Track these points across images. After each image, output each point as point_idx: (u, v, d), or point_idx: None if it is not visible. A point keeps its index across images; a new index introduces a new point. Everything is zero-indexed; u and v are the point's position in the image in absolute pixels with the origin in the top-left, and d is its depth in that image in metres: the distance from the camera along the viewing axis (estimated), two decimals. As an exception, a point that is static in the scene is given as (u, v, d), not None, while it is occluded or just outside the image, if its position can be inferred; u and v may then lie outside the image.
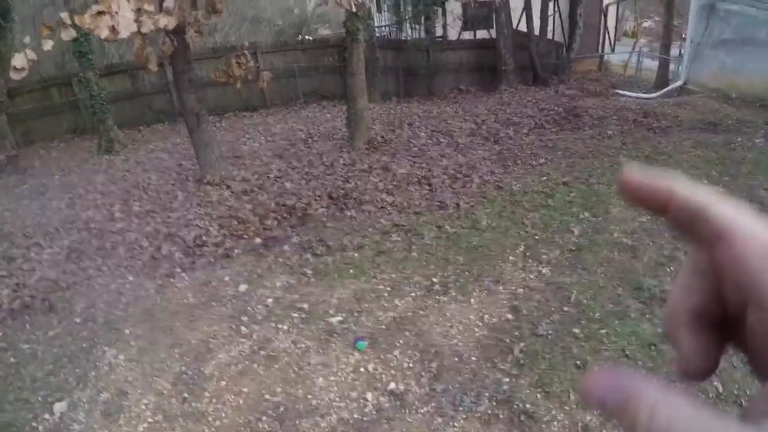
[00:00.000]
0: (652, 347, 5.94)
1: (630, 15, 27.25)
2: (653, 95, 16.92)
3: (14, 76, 7.19)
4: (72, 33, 7.96)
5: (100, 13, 7.26)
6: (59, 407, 6.48)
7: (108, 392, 6.61)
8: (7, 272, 10.22)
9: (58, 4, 22.46)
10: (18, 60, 7.08)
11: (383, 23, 27.92)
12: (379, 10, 28.13)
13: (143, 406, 6.30)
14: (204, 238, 10.07)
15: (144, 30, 7.74)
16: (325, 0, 8.41)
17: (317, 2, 9.44)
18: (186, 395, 6.36)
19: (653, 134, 12.43)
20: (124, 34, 7.37)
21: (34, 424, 6.30)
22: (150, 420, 6.10)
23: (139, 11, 7.59)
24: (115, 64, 23.63)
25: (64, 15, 7.71)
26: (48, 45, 7.61)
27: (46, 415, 6.40)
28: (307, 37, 31.31)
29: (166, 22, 8.11)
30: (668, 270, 7.29)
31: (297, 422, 5.77)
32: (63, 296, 9.08)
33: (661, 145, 11.61)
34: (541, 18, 19.77)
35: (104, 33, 7.28)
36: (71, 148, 19.61)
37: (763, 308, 0.35)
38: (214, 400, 6.23)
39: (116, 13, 7.29)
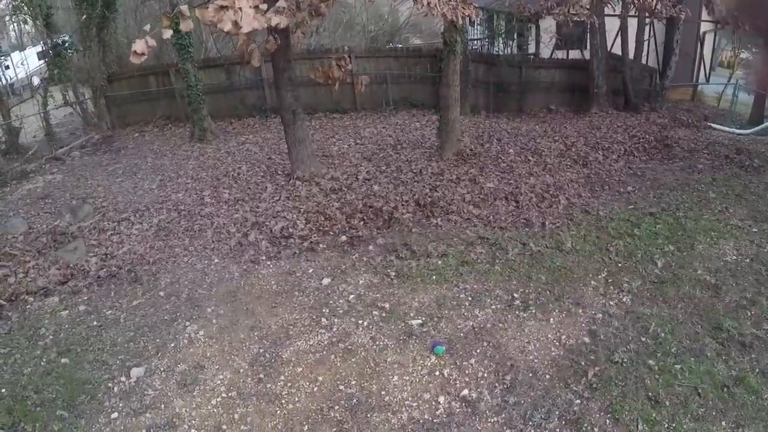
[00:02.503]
0: (725, 389, 5.96)
1: (727, 44, 26.32)
2: (747, 131, 16.45)
3: (134, 60, 7.58)
4: (190, 24, 8.39)
5: (223, 7, 7.68)
6: (136, 372, 6.96)
7: (185, 364, 7.06)
8: (97, 242, 10.93)
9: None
10: (139, 45, 7.48)
11: (476, 36, 27.99)
12: (473, 23, 28.22)
13: (218, 381, 6.72)
14: (290, 230, 10.49)
15: (257, 27, 8.11)
16: (431, 10, 8.57)
17: (420, 13, 9.58)
18: (262, 376, 6.74)
19: (745, 172, 12.17)
20: (246, 29, 7.74)
21: (110, 384, 6.79)
22: (224, 395, 6.49)
23: (256, 8, 7.98)
24: (212, 57, 24.54)
25: (184, 7, 8.16)
26: (167, 34, 8.04)
27: (123, 378, 6.89)
28: (398, 45, 31.66)
29: (278, 20, 8.45)
30: (749, 313, 7.23)
31: (368, 415, 6.06)
32: (149, 270, 9.68)
33: (752, 185, 11.37)
34: (636, 42, 19.38)
35: (227, 26, 7.68)
36: (164, 133, 20.47)
37: None
38: (288, 384, 6.58)
39: (240, 9, 7.69)
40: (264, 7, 8.13)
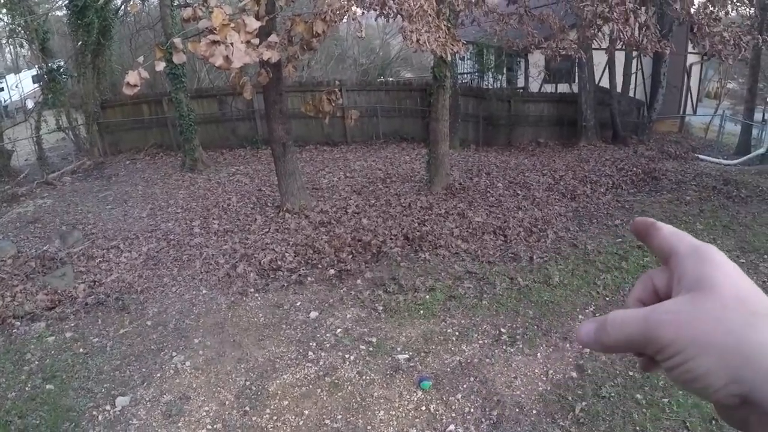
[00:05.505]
0: (714, 422, 5.95)
1: (714, 76, 26.63)
2: (734, 162, 16.62)
3: (127, 91, 7.68)
4: (183, 57, 8.53)
5: (215, 42, 7.79)
6: (121, 401, 6.94)
7: (171, 394, 7.02)
8: (86, 269, 10.92)
9: (156, 29, 23.82)
10: (132, 77, 7.58)
11: (465, 71, 28.28)
12: (462, 57, 28.51)
13: (204, 413, 6.69)
14: (279, 262, 10.48)
15: (248, 61, 8.22)
16: (420, 46, 8.69)
17: (410, 48, 9.65)
18: (247, 409, 6.71)
19: (732, 203, 12.25)
20: (237, 64, 7.86)
21: (94, 412, 6.76)
22: (209, 427, 6.46)
23: (248, 43, 8.08)
24: (204, 88, 24.71)
25: (177, 40, 8.27)
26: (160, 66, 8.15)
27: (107, 407, 6.86)
28: (389, 78, 31.94)
29: (270, 55, 8.57)
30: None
31: (355, 451, 6.03)
32: (137, 298, 9.68)
33: (740, 215, 11.45)
34: (624, 75, 19.67)
35: (219, 61, 7.78)
36: (156, 162, 20.53)
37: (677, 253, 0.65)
38: (274, 418, 6.54)
39: (231, 44, 7.80)
40: (256, 41, 8.25)
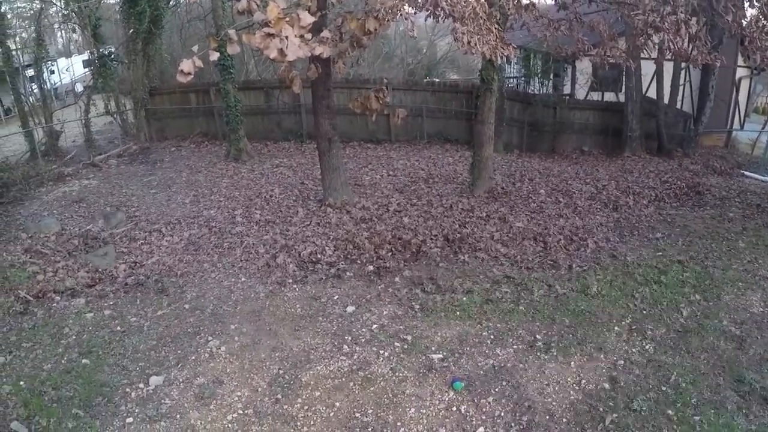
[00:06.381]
0: (743, 443, 5.88)
1: (763, 90, 25.93)
2: (781, 180, 16.25)
3: (181, 78, 7.84)
4: (237, 48, 8.71)
5: (270, 35, 7.94)
6: (155, 380, 7.13)
7: (204, 377, 7.20)
8: (128, 250, 11.25)
9: (207, 20, 24.23)
10: (186, 65, 7.75)
11: (512, 75, 28.10)
12: (509, 61, 28.35)
13: (236, 398, 6.84)
14: (319, 255, 10.63)
15: (301, 55, 8.35)
16: (471, 48, 8.70)
17: (460, 50, 9.70)
18: (279, 397, 6.84)
19: (777, 222, 12.04)
20: (291, 57, 8.00)
21: (127, 389, 6.96)
22: (240, 412, 6.61)
23: (302, 38, 8.22)
24: (252, 80, 25.06)
25: (232, 32, 8.45)
26: (214, 56, 8.33)
27: (141, 385, 7.06)
28: (435, 79, 31.94)
29: (322, 50, 8.69)
30: (773, 368, 7.13)
31: (383, 445, 6.11)
32: (176, 282, 9.93)
33: (783, 236, 11.25)
34: (671, 86, 19.31)
35: (273, 54, 7.93)
36: (201, 150, 20.93)
37: None
38: (305, 407, 6.67)
39: (286, 37, 7.94)
40: (309, 36, 8.38)
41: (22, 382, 7.05)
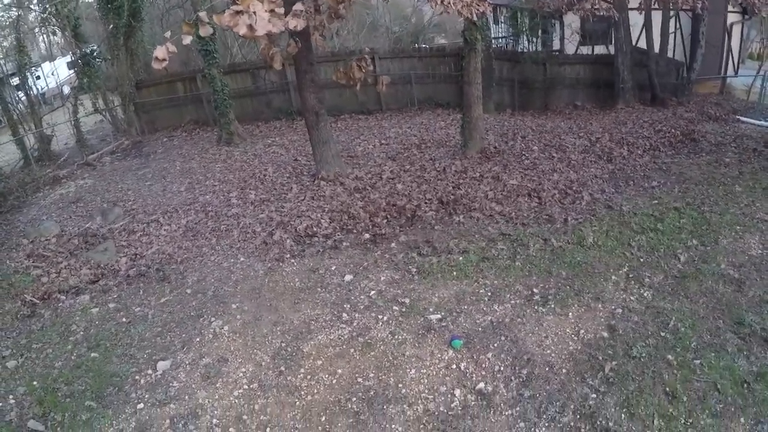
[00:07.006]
0: (745, 385, 5.90)
1: (756, 36, 25.69)
2: (777, 124, 16.16)
3: (156, 65, 7.84)
4: (209, 30, 8.64)
5: (239, 12, 7.89)
6: (162, 365, 7.19)
7: (210, 357, 7.26)
8: (127, 243, 11.28)
9: (186, 7, 24.04)
10: (160, 51, 7.74)
11: (500, 35, 27.89)
12: (496, 21, 28.11)
13: (241, 374, 6.90)
14: (315, 229, 10.64)
15: (274, 30, 8.28)
16: (446, 8, 8.63)
17: (435, 11, 9.63)
18: (283, 369, 6.90)
19: (773, 165, 11.97)
20: (260, 32, 7.94)
21: (137, 377, 7.03)
22: (246, 387, 6.68)
23: (272, 12, 8.14)
24: (237, 63, 24.90)
25: (203, 14, 8.39)
26: (187, 40, 8.29)
27: (149, 371, 7.12)
28: (423, 45, 31.70)
29: (295, 23, 8.60)
30: (773, 308, 7.12)
31: (385, 407, 6.18)
32: (177, 269, 9.96)
33: (780, 177, 11.19)
34: (661, 35, 19.15)
35: (242, 30, 7.89)
36: (192, 138, 20.90)
37: None
38: (309, 377, 6.74)
39: (254, 13, 7.88)
40: (281, 11, 8.30)
41: (35, 382, 7.12)
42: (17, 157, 19.28)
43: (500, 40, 27.07)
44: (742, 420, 5.53)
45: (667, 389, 5.92)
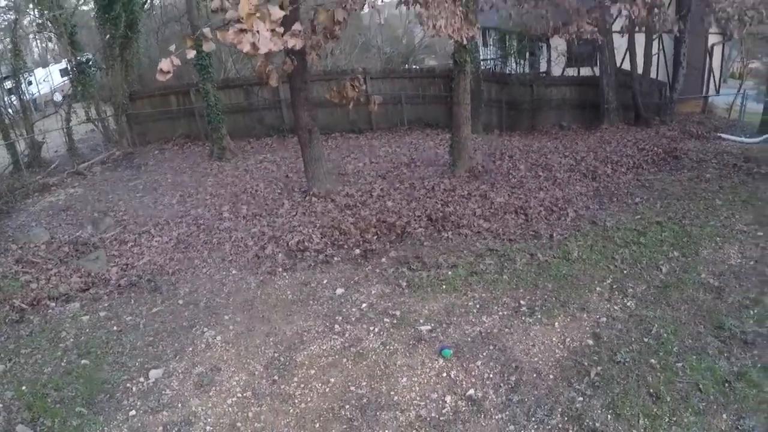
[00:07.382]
0: (726, 384, 6.15)
1: (737, 55, 26.26)
2: (756, 140, 16.49)
3: (160, 77, 8.01)
4: (212, 46, 8.83)
5: (243, 30, 8.15)
6: (154, 373, 7.32)
7: (203, 366, 7.41)
8: (118, 253, 11.41)
9: (183, 21, 24.26)
10: (164, 64, 7.91)
11: (488, 56, 28.32)
12: (485, 44, 28.54)
13: (234, 383, 7.06)
14: (306, 243, 10.83)
15: (274, 48, 8.53)
16: (437, 32, 8.92)
17: (427, 33, 9.93)
18: (276, 378, 7.06)
19: (752, 179, 12.31)
20: (263, 50, 8.16)
21: (128, 384, 7.16)
22: (239, 395, 6.83)
23: (273, 32, 8.41)
24: (231, 78, 25.10)
25: (206, 30, 8.63)
26: (191, 54, 8.49)
27: (141, 379, 7.25)
28: (413, 66, 32.05)
29: (294, 42, 8.86)
30: (752, 312, 7.41)
31: (377, 414, 6.34)
32: (168, 280, 10.10)
33: (759, 191, 11.52)
34: (644, 57, 19.60)
35: (246, 48, 8.11)
36: (184, 151, 21.07)
37: None
38: (302, 385, 6.89)
39: (257, 32, 8.14)
40: (281, 30, 8.56)
41: (24, 387, 7.21)
42: (7, 162, 19.33)
43: (489, 62, 27.47)
44: (724, 416, 5.75)
45: (651, 391, 6.14)
